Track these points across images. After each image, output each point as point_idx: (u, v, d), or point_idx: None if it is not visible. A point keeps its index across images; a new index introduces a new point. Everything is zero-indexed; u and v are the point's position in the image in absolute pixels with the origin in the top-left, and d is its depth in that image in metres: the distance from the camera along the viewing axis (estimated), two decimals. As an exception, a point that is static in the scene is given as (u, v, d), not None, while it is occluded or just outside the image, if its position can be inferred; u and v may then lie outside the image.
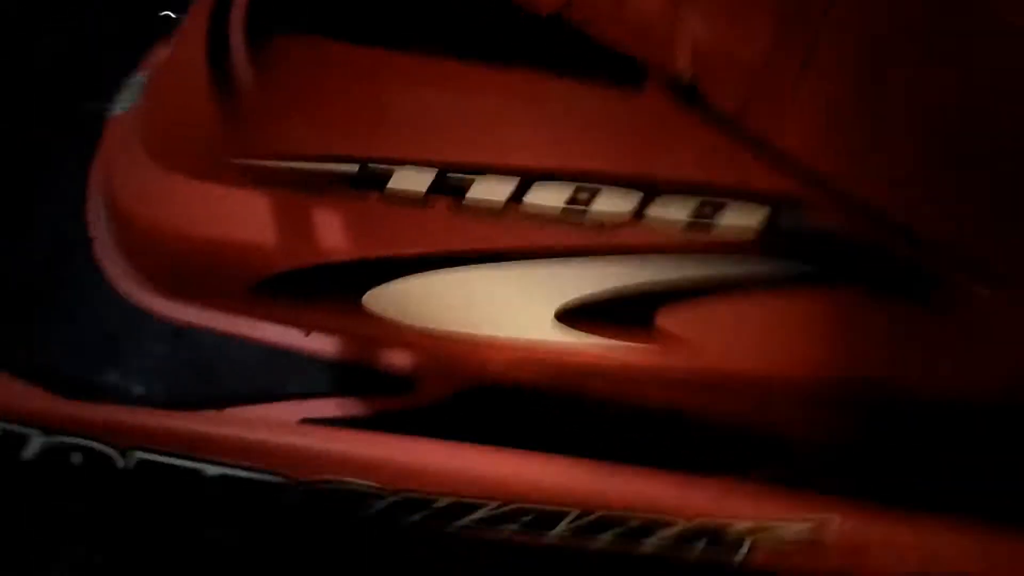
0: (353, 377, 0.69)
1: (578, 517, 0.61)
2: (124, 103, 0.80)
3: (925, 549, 0.58)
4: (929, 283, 0.57)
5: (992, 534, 0.58)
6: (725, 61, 0.57)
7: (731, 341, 0.61)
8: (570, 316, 0.62)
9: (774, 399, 0.62)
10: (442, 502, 0.62)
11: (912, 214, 0.57)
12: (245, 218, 0.66)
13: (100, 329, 0.72)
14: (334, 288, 0.65)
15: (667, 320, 0.60)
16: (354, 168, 0.62)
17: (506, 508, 0.62)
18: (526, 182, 0.60)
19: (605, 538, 0.62)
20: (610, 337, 0.62)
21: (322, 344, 0.69)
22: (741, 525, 0.60)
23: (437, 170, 0.61)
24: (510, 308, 0.63)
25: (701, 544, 0.61)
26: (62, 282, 0.75)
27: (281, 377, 0.69)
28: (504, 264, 0.62)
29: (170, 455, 0.64)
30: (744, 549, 0.60)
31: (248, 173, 0.65)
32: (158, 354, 0.71)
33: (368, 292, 0.64)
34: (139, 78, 0.80)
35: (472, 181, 0.61)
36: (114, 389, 0.70)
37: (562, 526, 0.62)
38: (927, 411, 0.60)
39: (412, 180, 0.61)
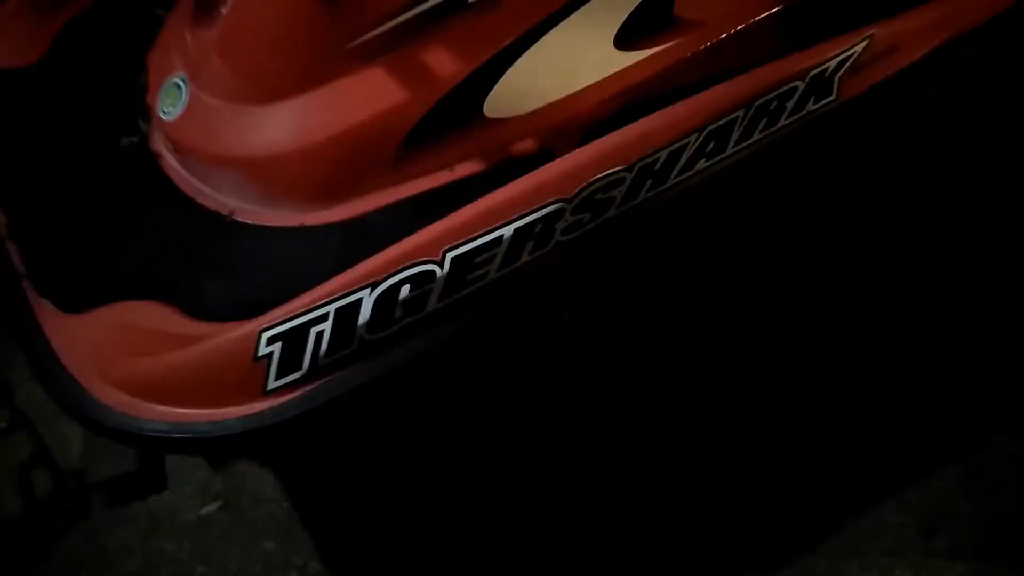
0: (506, 169, 0.78)
1: (740, 116, 0.78)
2: (170, 108, 0.80)
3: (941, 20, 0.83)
4: None
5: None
6: None
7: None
8: (620, 42, 0.79)
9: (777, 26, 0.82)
10: (661, 156, 0.76)
11: None
12: (372, 92, 0.75)
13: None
14: (460, 113, 0.76)
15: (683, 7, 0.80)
16: None
17: (700, 135, 0.77)
18: None
19: (762, 127, 0.80)
20: (653, 47, 0.80)
21: (469, 166, 0.78)
22: (831, 63, 0.80)
23: None
24: (580, 56, 0.78)
25: (815, 100, 0.81)
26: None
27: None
28: (563, 22, 0.77)
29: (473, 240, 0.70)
30: (837, 88, 0.82)
31: (356, 54, 0.74)
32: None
33: (482, 102, 0.76)
34: (175, 79, 0.81)
35: None
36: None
37: (736, 133, 0.79)
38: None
39: None
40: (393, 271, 0.69)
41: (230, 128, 0.78)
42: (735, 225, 0.93)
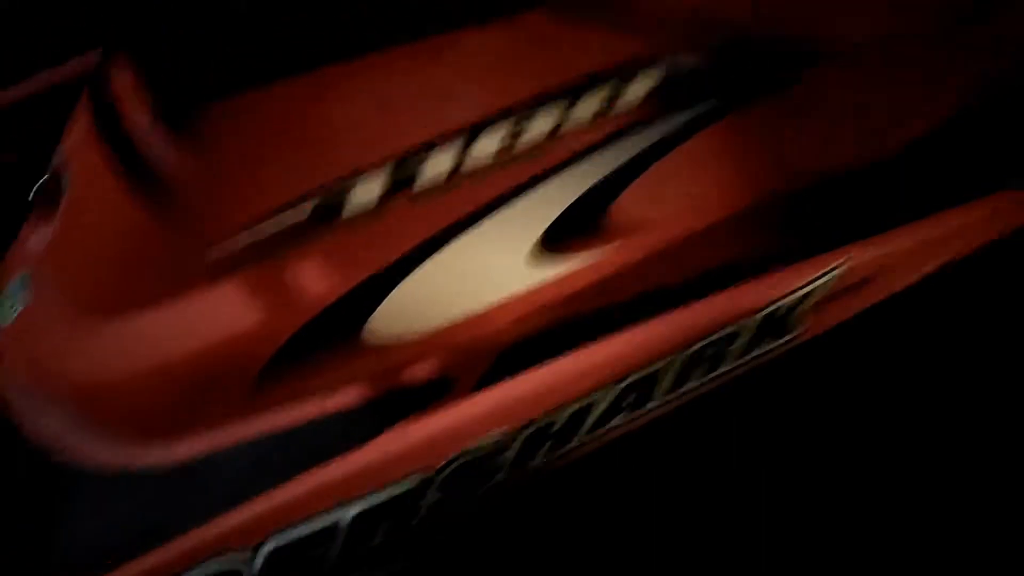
0: (390, 408, 0.62)
1: (669, 364, 0.60)
2: (8, 311, 0.65)
3: (930, 244, 0.65)
4: (789, 81, 0.65)
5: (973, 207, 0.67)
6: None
7: (682, 202, 0.64)
8: (543, 251, 0.62)
9: (738, 229, 0.66)
10: (562, 416, 0.57)
11: (754, 25, 0.66)
12: (223, 310, 0.59)
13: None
14: (333, 337, 0.59)
15: (620, 212, 0.62)
16: (308, 207, 0.58)
17: (615, 390, 0.59)
18: (462, 143, 0.60)
19: (698, 374, 0.62)
20: (582, 251, 0.63)
21: (342, 398, 0.62)
22: (787, 300, 0.62)
23: (381, 173, 0.59)
24: (491, 268, 0.62)
25: (767, 341, 0.63)
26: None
27: (319, 447, 0.60)
28: (469, 230, 0.61)
29: (298, 525, 0.52)
30: (796, 326, 0.63)
31: (205, 270, 0.59)
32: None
33: (365, 325, 0.60)
34: (19, 278, 0.66)
35: (413, 167, 0.59)
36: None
37: (663, 383, 0.60)
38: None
39: (362, 194, 0.59)
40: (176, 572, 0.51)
41: (56, 343, 0.62)
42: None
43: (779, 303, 0.62)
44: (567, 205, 0.61)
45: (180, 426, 0.60)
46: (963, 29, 0.68)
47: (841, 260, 0.64)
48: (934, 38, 0.67)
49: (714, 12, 0.63)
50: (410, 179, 0.59)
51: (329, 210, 0.58)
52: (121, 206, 0.57)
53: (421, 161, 0.59)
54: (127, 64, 0.60)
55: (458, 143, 0.59)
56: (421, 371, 0.62)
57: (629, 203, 0.62)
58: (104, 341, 0.60)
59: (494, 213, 0.60)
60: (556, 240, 0.62)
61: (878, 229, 0.66)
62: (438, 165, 0.59)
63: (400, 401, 0.61)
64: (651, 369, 0.59)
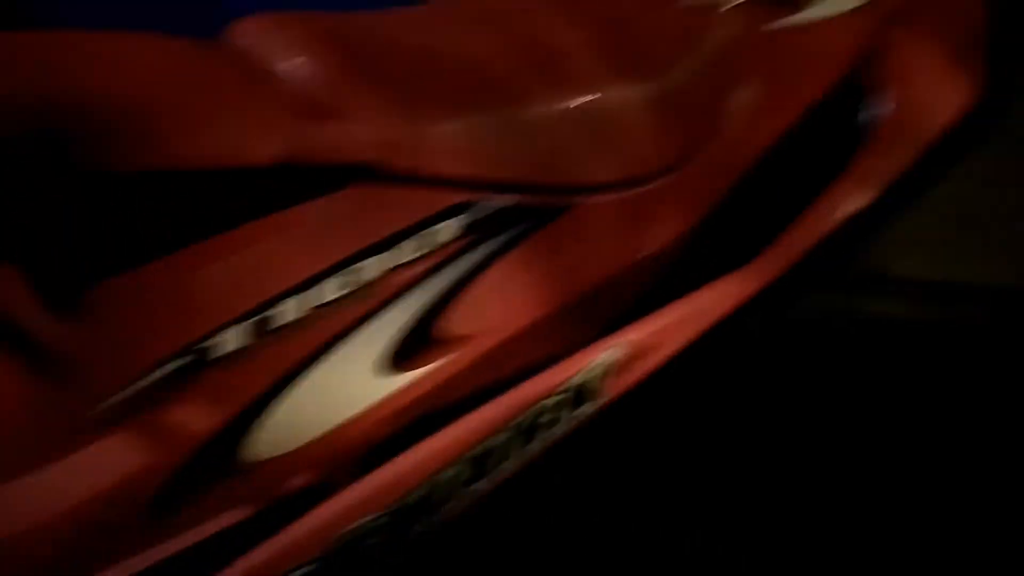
0: (278, 514, 0.71)
1: (510, 435, 0.74)
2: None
3: (685, 319, 0.84)
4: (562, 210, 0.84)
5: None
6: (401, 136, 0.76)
7: (495, 315, 0.80)
8: (387, 367, 0.75)
9: (542, 330, 0.82)
10: (419, 492, 0.69)
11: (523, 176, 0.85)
12: (110, 460, 0.66)
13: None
14: (218, 464, 0.69)
15: (446, 330, 0.77)
16: (183, 359, 0.68)
17: (470, 462, 0.72)
18: (308, 291, 0.72)
19: (541, 436, 0.76)
20: (420, 364, 0.77)
21: (235, 514, 0.70)
22: (585, 376, 0.79)
23: (243, 322, 0.70)
24: (346, 387, 0.74)
25: (583, 407, 0.79)
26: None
27: (220, 557, 0.68)
28: (323, 358, 0.73)
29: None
30: (600, 393, 0.80)
31: (93, 425, 0.66)
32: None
33: (240, 449, 0.70)
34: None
35: (266, 317, 0.71)
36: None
37: (514, 447, 0.74)
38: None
39: (229, 341, 0.69)
40: None
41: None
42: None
43: (577, 379, 0.78)
44: (401, 328, 0.75)
45: (90, 564, 0.65)
46: (676, 171, 0.90)
47: (619, 340, 0.81)
48: (659, 178, 0.89)
49: (493, 171, 0.81)
50: (268, 324, 0.70)
51: (201, 358, 0.69)
52: (12, 383, 0.64)
53: (276, 309, 0.71)
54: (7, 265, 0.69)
55: (305, 291, 0.72)
56: (300, 480, 0.71)
57: (452, 321, 0.77)
58: (7, 502, 0.65)
59: (342, 342, 0.73)
60: (397, 357, 0.75)
61: (644, 312, 0.85)
62: (291, 311, 0.71)
63: (286, 507, 0.69)
64: (495, 441, 0.72)
